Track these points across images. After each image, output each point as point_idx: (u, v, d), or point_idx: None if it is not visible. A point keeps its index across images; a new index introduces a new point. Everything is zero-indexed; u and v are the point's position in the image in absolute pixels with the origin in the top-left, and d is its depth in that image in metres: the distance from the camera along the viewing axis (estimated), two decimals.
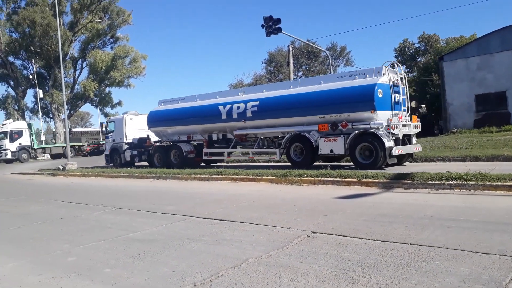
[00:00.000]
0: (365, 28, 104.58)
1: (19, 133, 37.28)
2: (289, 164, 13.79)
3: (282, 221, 6.06)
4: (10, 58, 43.82)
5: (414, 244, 4.50)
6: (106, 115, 49.63)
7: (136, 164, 19.08)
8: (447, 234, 4.87)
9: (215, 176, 12.35)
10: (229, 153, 15.74)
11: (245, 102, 14.52)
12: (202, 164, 17.38)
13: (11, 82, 44.52)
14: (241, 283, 3.74)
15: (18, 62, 45.30)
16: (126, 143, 19.83)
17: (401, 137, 11.97)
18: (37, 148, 38.87)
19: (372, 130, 11.55)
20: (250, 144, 15.24)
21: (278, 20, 19.96)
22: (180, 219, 6.86)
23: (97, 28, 43.72)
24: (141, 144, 19.29)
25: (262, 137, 14.63)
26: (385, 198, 7.73)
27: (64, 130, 35.91)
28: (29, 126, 38.87)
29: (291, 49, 27.29)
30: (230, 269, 4.11)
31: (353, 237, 4.97)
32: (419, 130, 13.47)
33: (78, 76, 46.98)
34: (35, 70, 42.03)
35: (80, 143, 43.56)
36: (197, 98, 16.91)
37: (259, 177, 11.13)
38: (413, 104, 33.38)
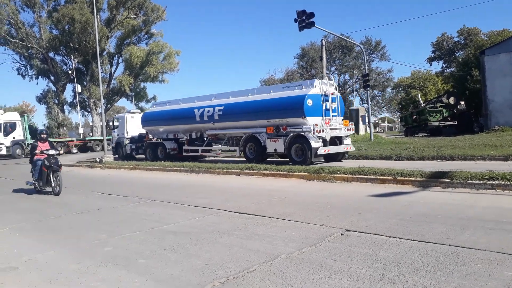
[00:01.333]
0: (401, 21, 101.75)
1: (13, 126, 33.99)
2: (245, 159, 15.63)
3: (315, 218, 5.99)
4: (51, 54, 45.58)
5: (454, 246, 4.33)
6: (141, 109, 50.78)
7: (136, 156, 21.34)
8: (489, 236, 4.67)
9: (246, 171, 12.39)
10: (203, 150, 17.90)
11: (214, 106, 16.69)
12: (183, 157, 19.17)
13: (52, 77, 46.34)
14: (273, 278, 3.73)
15: (58, 58, 47.07)
16: (127, 138, 22.61)
17: (328, 139, 13.81)
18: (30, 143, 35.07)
19: (303, 133, 13.40)
20: (221, 142, 17.39)
21: (311, 14, 19.70)
22: (213, 212, 6.92)
23: (132, 24, 44.71)
24: (141, 139, 21.50)
25: (228, 137, 16.78)
26: (421, 197, 7.49)
27: (101, 123, 37.05)
28: (23, 118, 35.69)
29: (324, 44, 26.91)
30: (262, 264, 4.10)
31: (389, 236, 4.85)
32: (351, 132, 15.49)
33: (114, 72, 48.32)
34: (74, 65, 43.52)
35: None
36: (180, 102, 19.19)
37: (290, 173, 11.07)
38: (451, 100, 32.17)
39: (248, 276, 3.81)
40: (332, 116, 14.23)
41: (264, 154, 14.88)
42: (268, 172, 11.73)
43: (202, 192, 9.67)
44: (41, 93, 47.32)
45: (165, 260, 4.46)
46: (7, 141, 33.20)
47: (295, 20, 20.05)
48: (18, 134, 34.00)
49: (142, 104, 51.28)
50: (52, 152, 10.42)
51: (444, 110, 31.94)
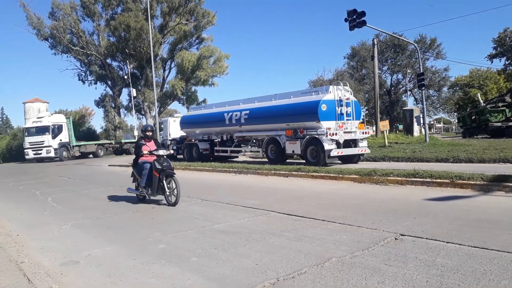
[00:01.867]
0: (458, 17, 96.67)
1: (60, 128, 34.31)
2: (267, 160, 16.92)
3: (367, 222, 5.82)
4: (108, 60, 47.99)
5: None
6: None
7: (178, 157, 22.76)
8: None
9: (294, 172, 12.31)
10: (232, 151, 19.24)
11: (240, 111, 18.00)
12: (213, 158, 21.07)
13: (109, 82, 48.79)
14: (324, 281, 3.66)
15: (114, 64, 49.43)
16: (170, 140, 25.67)
17: (342, 142, 14.41)
18: (75, 146, 35.62)
19: (317, 136, 14.29)
20: (248, 144, 18.51)
21: (362, 13, 19.24)
22: (262, 213, 6.94)
23: (184, 30, 46.03)
24: (182, 140, 23.38)
25: (254, 139, 17.97)
26: (483, 201, 7.05)
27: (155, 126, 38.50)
28: (68, 119, 36.09)
29: (375, 43, 26.20)
30: (313, 267, 4.05)
31: (446, 242, 4.61)
32: (367, 136, 16.12)
33: (167, 76, 49.97)
34: (129, 70, 45.53)
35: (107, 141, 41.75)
36: (213, 106, 21.08)
37: (340, 175, 10.86)
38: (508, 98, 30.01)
39: (298, 278, 3.78)
40: (347, 120, 14.92)
41: (283, 155, 16.04)
42: (317, 174, 11.58)
43: (251, 193, 9.74)
44: (99, 97, 49.98)
45: (216, 259, 4.53)
46: (55, 143, 33.61)
47: (346, 20, 19.68)
48: (64, 136, 34.52)
49: (193, 107, 52.65)
50: (162, 152, 8.52)
51: (507, 110, 29.93)
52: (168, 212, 7.68)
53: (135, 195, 9.08)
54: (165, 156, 8.58)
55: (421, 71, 23.44)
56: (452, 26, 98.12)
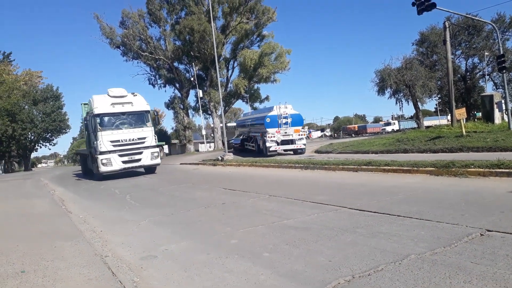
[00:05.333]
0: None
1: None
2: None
3: (447, 217, 5.44)
4: (175, 64, 50.08)
5: None
6: (255, 110, 52.78)
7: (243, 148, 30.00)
8: None
9: (364, 167, 11.90)
10: (248, 145, 28.73)
11: (247, 119, 29.83)
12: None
13: (177, 85, 50.87)
14: (403, 279, 3.47)
15: (181, 67, 51.37)
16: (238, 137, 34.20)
17: (279, 141, 22.63)
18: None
19: (265, 137, 22.84)
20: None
21: None
22: (331, 209, 6.78)
23: (245, 28, 46.58)
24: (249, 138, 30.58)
25: (252, 138, 27.19)
26: None
27: (221, 125, 39.48)
28: None
29: (447, 26, 24.46)
30: (390, 264, 3.86)
31: None
32: (303, 136, 23.36)
33: (230, 75, 50.96)
34: (195, 72, 47.13)
35: None
36: (248, 114, 32.54)
37: (415, 168, 10.28)
38: None
39: (375, 276, 3.62)
40: (285, 127, 22.66)
41: (259, 148, 24.81)
42: (389, 167, 11.09)
43: (318, 188, 9.58)
44: (168, 100, 52.32)
45: (288, 254, 4.50)
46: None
47: (413, 4, 18.61)
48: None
49: (256, 104, 53.15)
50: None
51: None
52: (238, 208, 7.79)
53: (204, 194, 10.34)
54: None
55: (502, 53, 21.47)
56: None
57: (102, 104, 17.31)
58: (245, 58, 45.91)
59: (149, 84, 52.13)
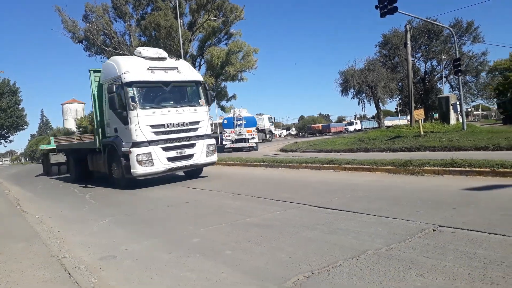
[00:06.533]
0: None
1: None
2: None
3: (403, 213, 5.65)
4: None
5: None
6: (222, 108, 52.62)
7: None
8: None
9: (326, 165, 12.15)
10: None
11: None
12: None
13: None
14: (360, 274, 3.59)
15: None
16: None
17: (233, 140, 26.74)
18: None
19: (223, 136, 27.29)
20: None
21: None
22: (294, 206, 6.88)
23: (212, 26, 46.22)
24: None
25: None
26: None
27: None
28: None
29: (408, 29, 25.34)
30: (348, 260, 3.98)
31: (489, 233, 4.41)
32: (254, 135, 27.13)
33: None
34: None
35: None
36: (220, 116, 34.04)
37: (374, 166, 10.62)
38: None
39: (333, 271, 3.72)
40: (238, 128, 26.78)
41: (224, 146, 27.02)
42: (350, 166, 11.38)
43: (282, 186, 9.69)
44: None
45: (250, 252, 4.53)
46: None
47: (376, 7, 19.13)
48: None
49: (223, 103, 52.88)
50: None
51: None
52: (201, 207, 7.76)
53: (168, 193, 10.12)
54: None
55: (458, 57, 22.50)
56: (490, 7, 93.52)
57: (135, 68, 11.21)
58: (212, 55, 45.61)
59: None
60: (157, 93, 11.75)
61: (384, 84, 39.83)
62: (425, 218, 5.30)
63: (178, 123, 11.39)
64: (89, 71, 12.86)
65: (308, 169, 12.56)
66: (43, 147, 20.36)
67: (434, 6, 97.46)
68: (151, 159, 10.81)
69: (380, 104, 42.68)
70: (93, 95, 12.66)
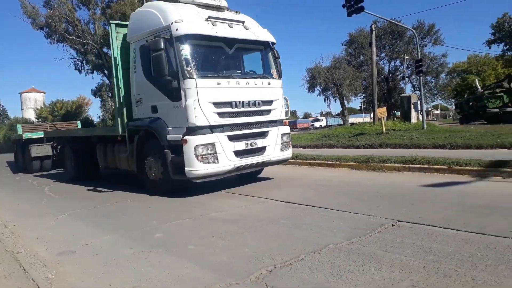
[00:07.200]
0: (457, 2, 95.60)
1: None
2: None
3: (364, 209, 5.81)
4: (104, 49, 47.55)
5: None
6: None
7: None
8: None
9: (291, 160, 12.27)
10: None
11: None
12: None
13: (105, 71, 48.39)
14: (321, 268, 3.66)
15: (110, 53, 49.09)
16: None
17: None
18: None
19: None
20: None
21: None
22: (259, 201, 6.93)
23: None
24: None
25: None
26: (480, 187, 7.06)
27: None
28: None
29: (373, 29, 26.00)
30: (310, 254, 4.05)
31: (444, 228, 4.61)
32: None
33: None
34: None
35: None
36: None
37: (338, 162, 10.84)
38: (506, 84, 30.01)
39: (295, 265, 3.78)
40: None
41: None
42: (314, 161, 11.57)
43: (248, 181, 9.71)
44: (96, 87, 49.61)
45: (214, 247, 4.52)
46: None
47: (343, 6, 19.46)
48: None
49: None
50: None
51: (505, 96, 29.89)
52: (166, 201, 7.66)
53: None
54: None
55: (419, 58, 23.31)
56: (451, 11, 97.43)
57: (190, 17, 7.85)
58: None
59: (75, 69, 48.80)
60: (219, 57, 8.47)
61: (349, 82, 40.74)
62: (385, 213, 5.47)
63: (249, 101, 8.10)
64: (110, 24, 9.55)
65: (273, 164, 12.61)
66: (28, 135, 15.98)
67: (399, 8, 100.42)
68: (215, 152, 7.49)
69: (345, 101, 43.68)
70: (114, 59, 9.18)
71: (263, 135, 8.49)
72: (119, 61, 9.06)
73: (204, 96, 7.40)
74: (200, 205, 6.96)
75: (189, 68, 7.39)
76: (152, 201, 7.77)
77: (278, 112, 8.90)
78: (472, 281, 3.18)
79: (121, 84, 8.98)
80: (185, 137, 7.33)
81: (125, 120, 8.91)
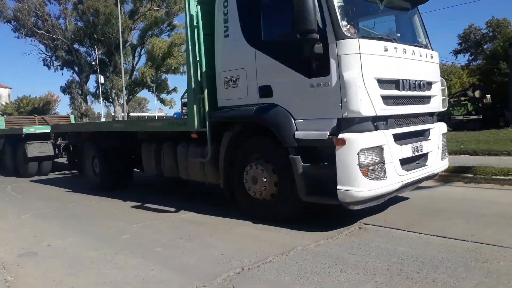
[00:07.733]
0: (425, 13, 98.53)
1: None
2: None
3: (333, 211, 5.89)
4: (75, 46, 46.29)
5: (476, 242, 4.19)
6: (162, 101, 51.36)
7: None
8: None
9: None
10: None
11: None
12: None
13: (76, 68, 47.06)
14: (289, 270, 3.70)
15: (82, 49, 47.47)
16: None
17: None
18: None
19: None
20: None
21: None
22: (229, 203, 6.89)
23: (155, 16, 44.93)
24: None
25: None
26: (443, 192, 7.31)
27: (123, 114, 37.66)
28: None
29: None
30: (278, 256, 4.08)
31: (407, 231, 4.74)
32: None
33: (136, 63, 48.54)
34: (97, 56, 44.10)
35: None
36: None
37: None
38: (477, 94, 31.33)
39: (263, 267, 3.79)
40: None
41: None
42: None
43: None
44: (65, 84, 48.20)
45: (182, 249, 4.48)
46: None
47: None
48: None
49: (163, 95, 51.74)
50: None
51: (469, 104, 31.02)
52: (134, 202, 7.52)
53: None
54: None
55: None
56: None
57: None
58: (153, 46, 44.30)
59: (44, 65, 47.38)
60: (373, 12, 6.05)
61: None
62: (352, 216, 5.56)
63: (415, 81, 5.38)
64: None
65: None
66: (30, 129, 12.07)
67: None
68: (383, 162, 4.72)
69: None
70: (191, 18, 5.97)
71: (425, 135, 5.84)
72: (198, 22, 5.84)
73: (369, 68, 4.67)
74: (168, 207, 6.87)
75: (345, 23, 4.73)
76: (119, 202, 7.59)
77: (437, 100, 6.17)
78: (433, 282, 3.29)
79: (202, 56, 5.94)
80: (341, 136, 4.53)
81: (207, 109, 5.86)
